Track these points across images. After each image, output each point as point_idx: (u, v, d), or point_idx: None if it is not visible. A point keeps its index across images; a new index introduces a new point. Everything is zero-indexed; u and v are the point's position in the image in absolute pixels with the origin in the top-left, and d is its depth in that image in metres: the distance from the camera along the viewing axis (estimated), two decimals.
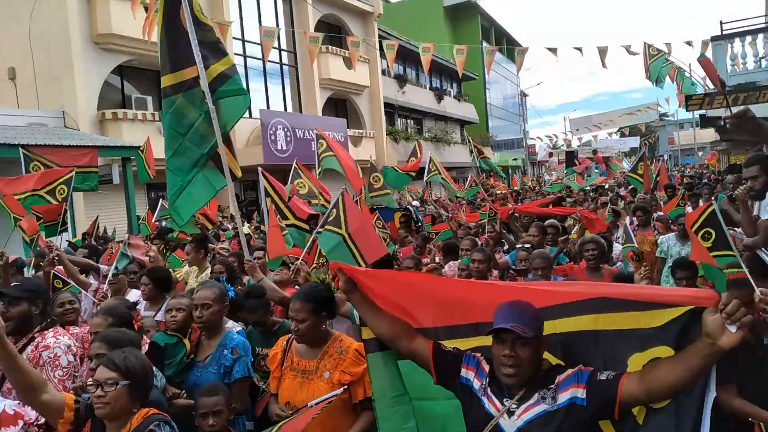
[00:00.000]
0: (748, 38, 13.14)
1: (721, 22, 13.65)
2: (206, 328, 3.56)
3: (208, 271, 5.65)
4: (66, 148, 11.12)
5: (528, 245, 5.87)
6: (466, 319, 2.39)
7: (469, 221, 8.79)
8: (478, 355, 2.33)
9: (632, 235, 5.21)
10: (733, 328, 1.76)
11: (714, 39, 13.35)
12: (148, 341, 3.57)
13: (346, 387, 2.92)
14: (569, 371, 2.11)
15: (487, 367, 2.26)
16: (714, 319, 1.80)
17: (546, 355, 2.20)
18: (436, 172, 9.85)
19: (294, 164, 8.21)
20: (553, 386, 2.10)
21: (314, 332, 3.08)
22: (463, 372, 2.31)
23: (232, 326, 3.81)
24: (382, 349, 2.60)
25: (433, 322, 2.47)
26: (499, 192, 11.83)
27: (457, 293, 2.46)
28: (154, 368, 3.08)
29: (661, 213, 8.73)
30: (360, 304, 2.56)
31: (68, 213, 6.47)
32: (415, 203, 14.64)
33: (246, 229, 9.21)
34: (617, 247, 6.86)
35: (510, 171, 41.10)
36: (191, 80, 4.60)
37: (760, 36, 13.18)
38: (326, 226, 4.61)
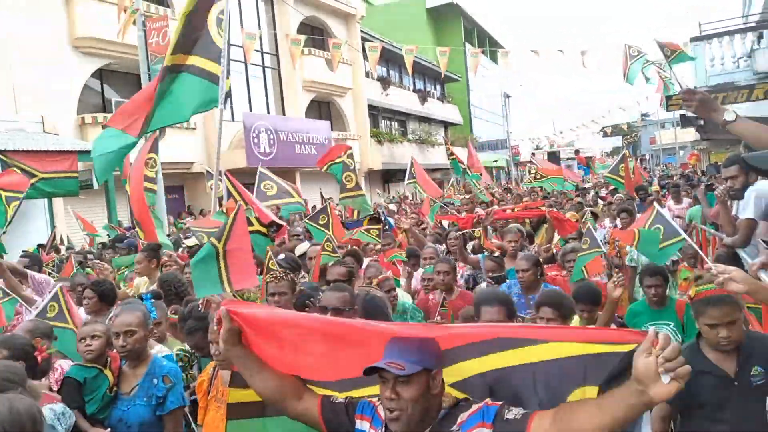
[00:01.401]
0: (726, 39, 13.31)
1: (699, 24, 13.82)
2: (130, 356, 3.21)
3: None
4: (45, 153, 10.96)
5: (497, 255, 5.49)
6: (361, 367, 1.92)
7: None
8: (375, 400, 2.02)
9: (598, 240, 4.82)
10: (666, 378, 1.44)
11: (693, 40, 13.51)
12: (61, 372, 3.24)
13: None
14: (474, 407, 1.82)
15: (383, 414, 1.92)
16: (647, 363, 1.46)
17: (450, 389, 1.92)
18: (414, 179, 9.56)
19: (259, 168, 7.94)
20: (455, 428, 1.81)
21: None
22: (358, 424, 2.01)
23: (158, 351, 3.55)
24: (247, 417, 2.39)
25: (335, 374, 2.10)
26: (463, 198, 11.01)
27: (354, 337, 2.05)
28: (58, 408, 2.82)
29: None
30: (242, 359, 2.14)
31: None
32: (392, 206, 14.32)
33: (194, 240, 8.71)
34: None
35: (493, 172, 41.26)
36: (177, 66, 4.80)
37: (737, 36, 13.36)
38: (211, 238, 4.34)
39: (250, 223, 5.31)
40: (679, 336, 4.10)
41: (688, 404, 2.77)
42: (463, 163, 13.13)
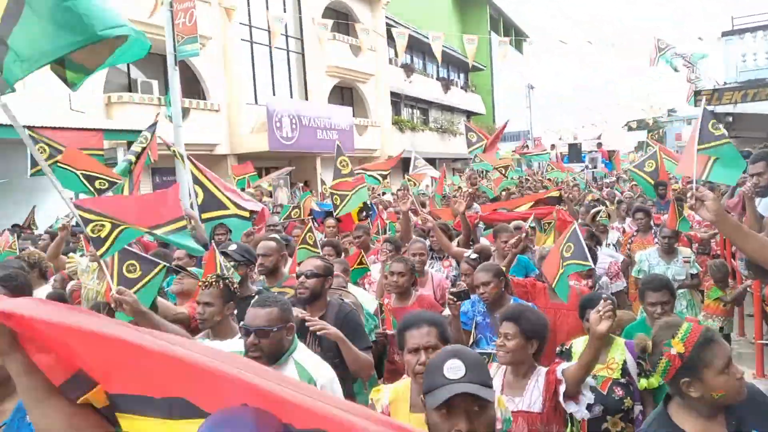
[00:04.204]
0: (759, 33, 13.02)
1: (732, 18, 13.53)
2: None
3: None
4: (71, 131, 11.11)
5: (475, 256, 4.64)
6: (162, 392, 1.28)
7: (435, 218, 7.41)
8: None
9: (588, 254, 4.07)
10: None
11: (725, 34, 13.24)
12: None
13: None
14: None
15: None
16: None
17: None
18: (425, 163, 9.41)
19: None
20: None
21: None
22: None
23: None
24: None
25: (124, 387, 1.32)
26: (466, 190, 10.17)
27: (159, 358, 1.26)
28: None
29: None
30: (24, 375, 1.31)
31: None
32: (388, 197, 13.55)
33: None
34: (604, 259, 5.92)
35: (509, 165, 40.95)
36: None
37: None
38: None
39: (224, 207, 5.33)
40: None
41: None
42: (484, 136, 12.15)
